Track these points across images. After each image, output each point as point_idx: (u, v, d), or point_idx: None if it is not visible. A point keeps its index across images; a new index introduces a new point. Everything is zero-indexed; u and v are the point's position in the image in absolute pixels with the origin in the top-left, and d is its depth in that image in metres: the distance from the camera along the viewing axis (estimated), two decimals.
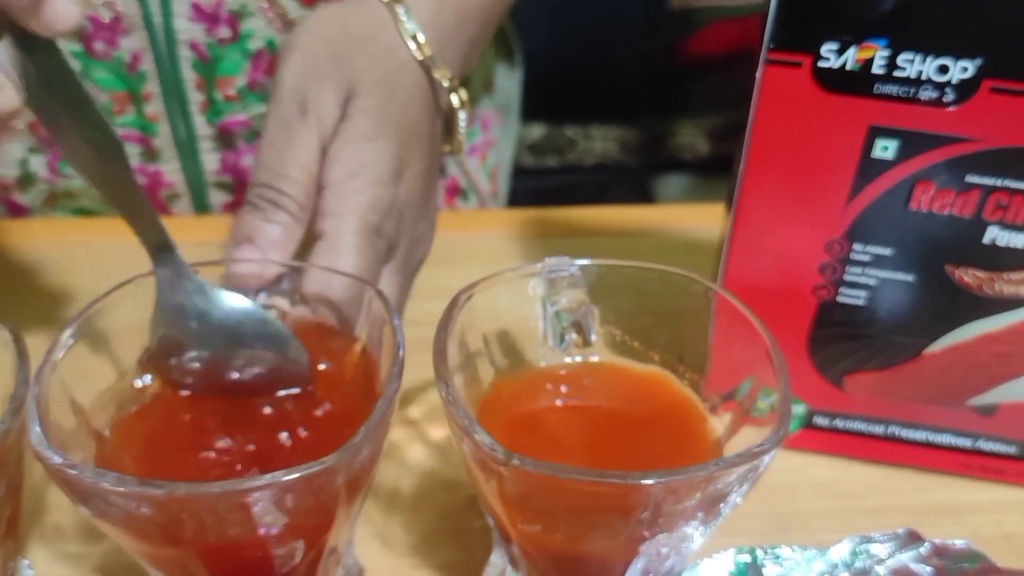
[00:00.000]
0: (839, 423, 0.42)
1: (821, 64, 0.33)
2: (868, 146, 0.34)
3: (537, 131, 1.41)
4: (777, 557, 0.35)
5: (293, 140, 0.40)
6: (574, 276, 0.37)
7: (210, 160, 0.58)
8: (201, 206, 0.61)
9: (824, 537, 0.38)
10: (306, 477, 0.26)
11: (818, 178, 0.35)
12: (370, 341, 0.35)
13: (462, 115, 0.46)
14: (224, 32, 0.53)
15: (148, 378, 0.35)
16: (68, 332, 0.31)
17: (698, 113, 1.65)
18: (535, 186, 1.33)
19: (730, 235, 0.38)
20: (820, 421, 0.42)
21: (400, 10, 0.44)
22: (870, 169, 0.35)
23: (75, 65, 0.52)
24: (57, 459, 0.26)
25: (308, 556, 0.30)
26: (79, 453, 0.30)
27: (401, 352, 0.31)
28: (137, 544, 0.29)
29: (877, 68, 0.32)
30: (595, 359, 0.38)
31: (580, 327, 0.37)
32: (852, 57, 0.32)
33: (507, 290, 0.37)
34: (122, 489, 0.26)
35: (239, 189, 0.61)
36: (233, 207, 0.62)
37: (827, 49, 0.33)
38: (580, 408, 0.37)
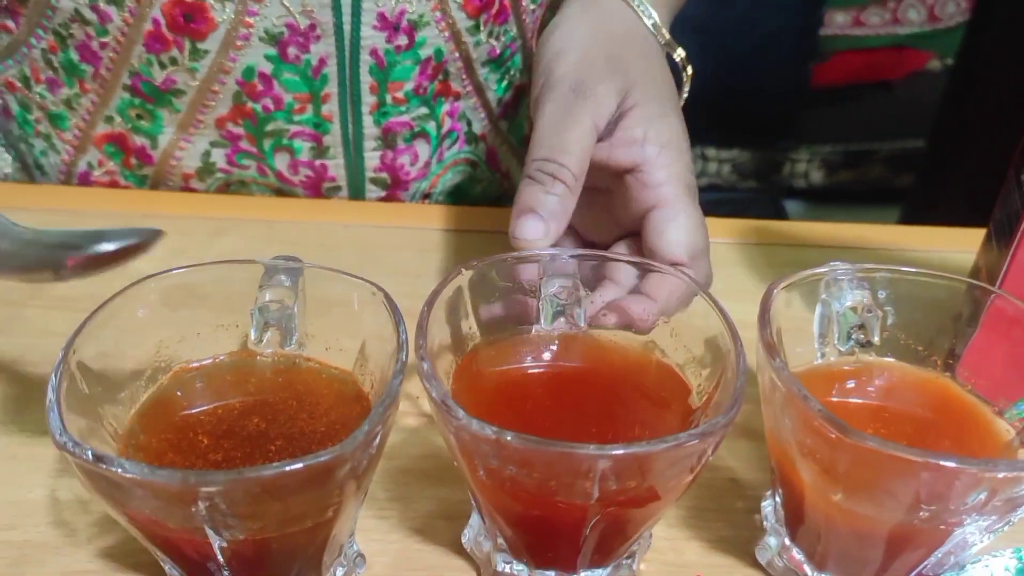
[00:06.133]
0: None
1: None
2: None
3: None
4: None
5: (571, 120, 0.47)
6: (859, 279, 0.41)
7: (371, 157, 0.65)
8: (357, 199, 0.67)
9: None
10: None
11: None
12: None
13: (687, 86, 0.55)
14: (402, 40, 0.59)
15: None
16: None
17: (816, 141, 1.68)
18: None
19: (1012, 254, 0.42)
20: None
21: (636, 4, 0.54)
22: None
23: (267, 68, 0.58)
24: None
25: None
26: None
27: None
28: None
29: None
30: (875, 359, 0.42)
31: (864, 328, 0.41)
32: None
33: (793, 289, 0.41)
34: None
35: (393, 185, 0.67)
36: (384, 201, 0.68)
37: None
38: (865, 406, 0.41)
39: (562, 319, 0.43)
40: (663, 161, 0.47)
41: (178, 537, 0.33)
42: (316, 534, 0.34)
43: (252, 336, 0.39)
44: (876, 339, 0.42)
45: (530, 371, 0.42)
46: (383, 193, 0.67)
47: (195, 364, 0.39)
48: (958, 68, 1.45)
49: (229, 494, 0.30)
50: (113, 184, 0.66)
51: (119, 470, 0.29)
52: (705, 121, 1.40)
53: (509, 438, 0.32)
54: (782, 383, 0.36)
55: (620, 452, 0.32)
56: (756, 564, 0.42)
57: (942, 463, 0.32)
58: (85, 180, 0.66)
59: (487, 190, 0.73)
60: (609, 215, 0.51)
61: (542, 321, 0.43)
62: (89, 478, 0.31)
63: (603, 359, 0.42)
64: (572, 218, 0.51)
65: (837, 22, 1.58)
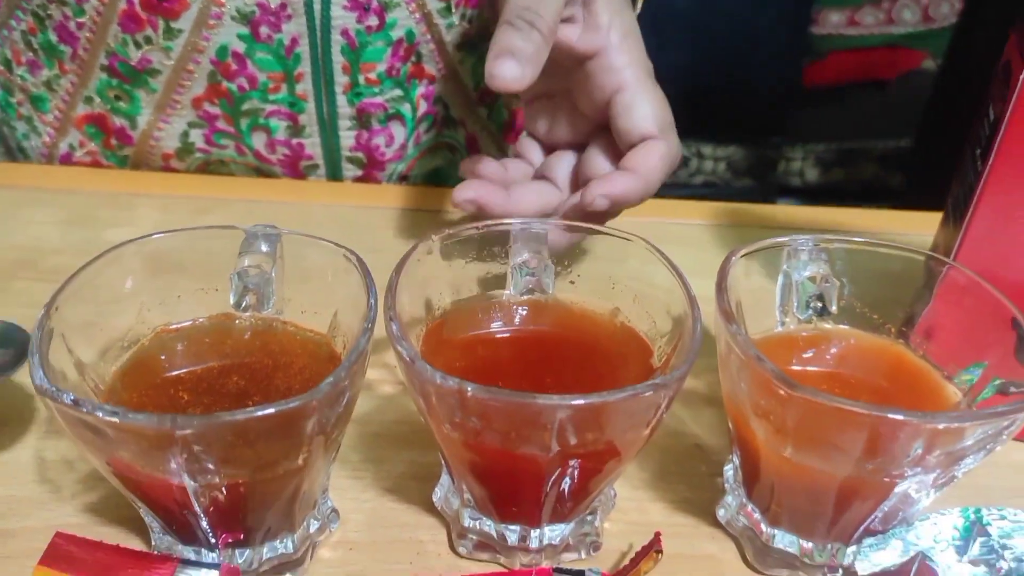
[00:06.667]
0: None
1: None
2: None
3: None
4: (1003, 517, 0.41)
5: None
6: (818, 249, 0.44)
7: (346, 136, 0.67)
8: (335, 177, 0.70)
9: None
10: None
11: None
12: None
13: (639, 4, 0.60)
14: (372, 20, 0.62)
15: None
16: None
17: (810, 140, 1.70)
18: None
19: (965, 228, 0.44)
20: None
21: None
22: None
23: (240, 47, 0.61)
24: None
25: None
26: None
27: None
28: None
29: None
30: (833, 327, 0.45)
31: (822, 297, 0.44)
32: None
33: (756, 260, 0.43)
34: None
35: (369, 165, 0.70)
36: (362, 180, 0.71)
37: None
38: (822, 372, 0.44)
39: (530, 286, 0.45)
40: (625, 47, 0.52)
41: (156, 483, 0.35)
42: (287, 483, 0.36)
43: (232, 300, 0.41)
44: (834, 308, 0.45)
45: (498, 336, 0.44)
46: (360, 172, 0.69)
47: (176, 326, 0.41)
48: (947, 67, 1.48)
49: (203, 437, 0.32)
50: (96, 165, 0.68)
51: (99, 413, 0.32)
52: (700, 118, 1.43)
53: (470, 389, 0.34)
54: (737, 346, 0.38)
55: (577, 402, 0.34)
56: (716, 523, 0.44)
57: (884, 415, 0.35)
58: (67, 162, 0.68)
59: None
60: (572, 115, 0.55)
61: (511, 288, 0.45)
62: (69, 423, 0.33)
63: (569, 324, 0.45)
64: (537, 129, 0.55)
65: (832, 21, 1.60)
